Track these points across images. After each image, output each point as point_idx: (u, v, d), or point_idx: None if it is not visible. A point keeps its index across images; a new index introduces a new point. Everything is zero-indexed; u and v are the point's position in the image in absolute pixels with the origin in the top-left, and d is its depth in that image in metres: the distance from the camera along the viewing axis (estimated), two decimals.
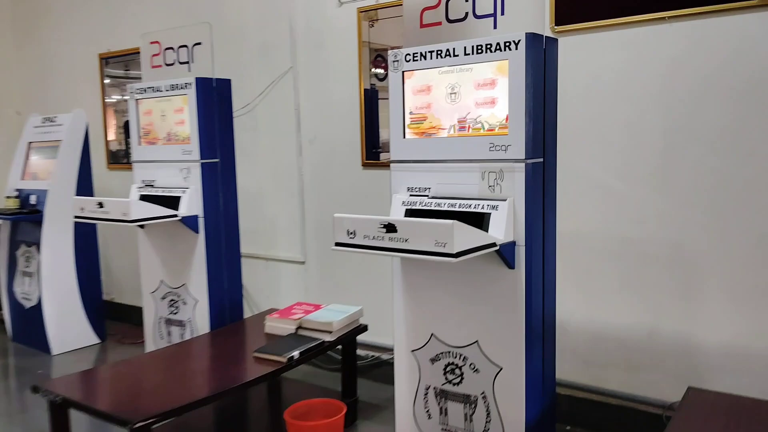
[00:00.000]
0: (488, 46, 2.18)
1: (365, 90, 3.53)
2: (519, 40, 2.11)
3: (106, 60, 5.05)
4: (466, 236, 1.98)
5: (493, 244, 2.10)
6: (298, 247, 3.92)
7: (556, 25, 2.38)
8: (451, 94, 2.31)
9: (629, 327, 2.77)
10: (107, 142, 5.01)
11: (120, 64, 5.07)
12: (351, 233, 2.15)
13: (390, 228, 2.04)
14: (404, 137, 2.44)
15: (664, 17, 2.61)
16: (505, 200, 2.18)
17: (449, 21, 2.39)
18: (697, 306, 2.60)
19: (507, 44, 2.14)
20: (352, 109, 3.57)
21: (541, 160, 2.19)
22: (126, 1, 4.68)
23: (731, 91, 2.47)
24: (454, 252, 1.92)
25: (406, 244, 2.01)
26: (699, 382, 2.55)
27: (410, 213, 2.39)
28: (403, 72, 2.41)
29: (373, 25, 3.47)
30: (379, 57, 3.48)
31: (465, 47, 2.24)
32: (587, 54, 2.74)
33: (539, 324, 2.26)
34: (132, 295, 4.78)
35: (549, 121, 2.24)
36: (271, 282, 4.09)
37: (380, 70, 3.48)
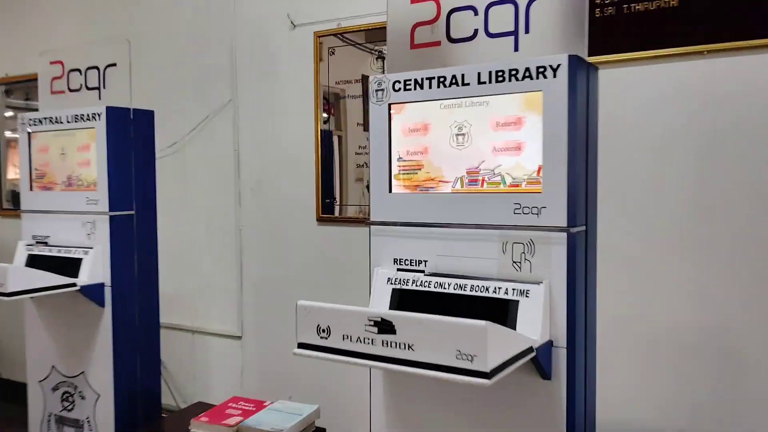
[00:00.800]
0: (513, 73, 1.60)
1: (323, 132, 2.90)
2: (559, 65, 1.54)
3: (5, 87, 4.23)
4: (501, 343, 1.35)
5: (530, 349, 1.47)
6: (234, 317, 3.19)
7: (589, 55, 1.85)
8: (457, 135, 1.70)
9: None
10: (2, 183, 4.16)
11: (22, 92, 4.27)
12: (323, 331, 1.47)
13: (384, 327, 1.38)
14: (390, 191, 1.80)
15: (702, 51, 2.12)
16: (539, 283, 1.57)
17: (452, 40, 1.80)
18: (741, 400, 2.05)
19: (541, 70, 1.56)
20: (306, 153, 2.92)
21: (584, 227, 1.60)
22: (30, 17, 3.91)
23: None
24: (488, 370, 1.28)
25: (410, 353, 1.36)
26: None
27: (401, 296, 1.74)
28: (389, 105, 1.80)
29: (333, 53, 2.86)
30: (325, 100, 2.87)
31: (479, 73, 1.65)
32: (614, 89, 2.21)
33: None
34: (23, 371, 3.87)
35: (591, 174, 1.66)
36: (200, 360, 3.32)
37: (324, 115, 2.87)
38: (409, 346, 1.36)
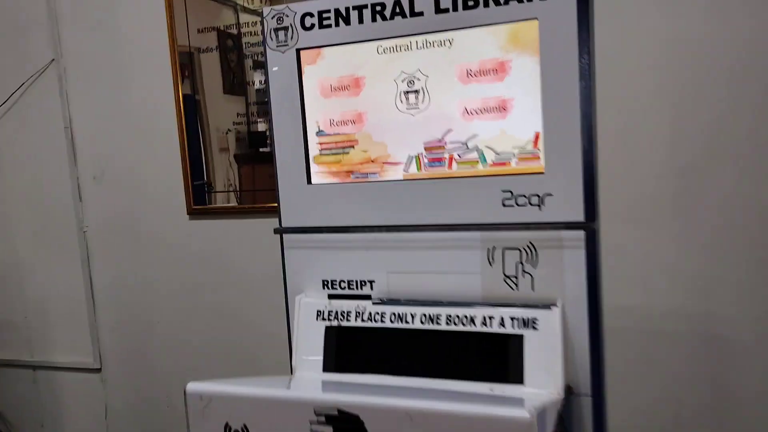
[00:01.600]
0: None
1: (185, 96, 2.20)
2: None
3: None
4: (544, 427, 0.84)
5: (560, 419, 0.97)
6: (87, 344, 2.46)
7: None
8: (408, 93, 1.14)
9: None
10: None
11: None
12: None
13: (344, 425, 0.82)
14: (308, 181, 1.21)
15: None
16: (549, 307, 1.06)
17: None
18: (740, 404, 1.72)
19: None
20: (164, 126, 2.21)
21: (595, 222, 1.11)
22: None
23: None
24: None
25: None
26: None
27: (340, 339, 1.17)
28: (298, 51, 1.19)
29: None
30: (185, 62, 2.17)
31: None
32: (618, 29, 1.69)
33: None
34: None
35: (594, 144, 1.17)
36: (48, 403, 2.56)
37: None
38: None
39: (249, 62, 2.09)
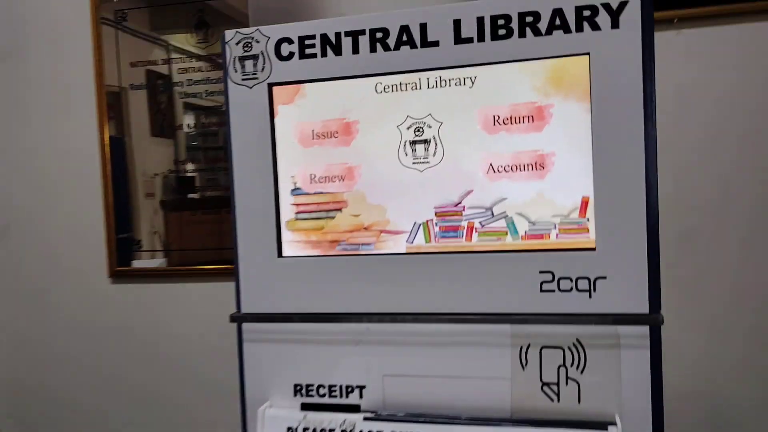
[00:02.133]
0: (530, 20, 0.83)
1: (112, 138, 1.88)
2: (625, 2, 0.79)
3: None
4: None
5: None
6: None
7: None
8: (414, 143, 0.89)
9: None
10: None
11: None
12: None
13: None
14: (279, 253, 0.93)
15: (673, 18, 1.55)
16: (606, 427, 0.81)
17: None
18: None
19: (588, 14, 0.81)
20: (85, 172, 1.88)
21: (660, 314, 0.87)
22: None
23: None
24: None
25: None
26: None
27: None
28: (270, 86, 0.92)
29: (125, 18, 1.86)
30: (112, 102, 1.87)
31: (459, 20, 0.85)
32: None
33: None
34: None
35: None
36: None
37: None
38: None
39: (180, 104, 1.86)
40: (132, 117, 1.88)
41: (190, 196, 1.88)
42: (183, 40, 1.83)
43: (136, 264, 1.86)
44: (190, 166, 1.87)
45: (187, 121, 1.86)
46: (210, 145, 1.88)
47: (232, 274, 1.71)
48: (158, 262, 1.87)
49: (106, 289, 1.89)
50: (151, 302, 1.84)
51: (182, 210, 1.88)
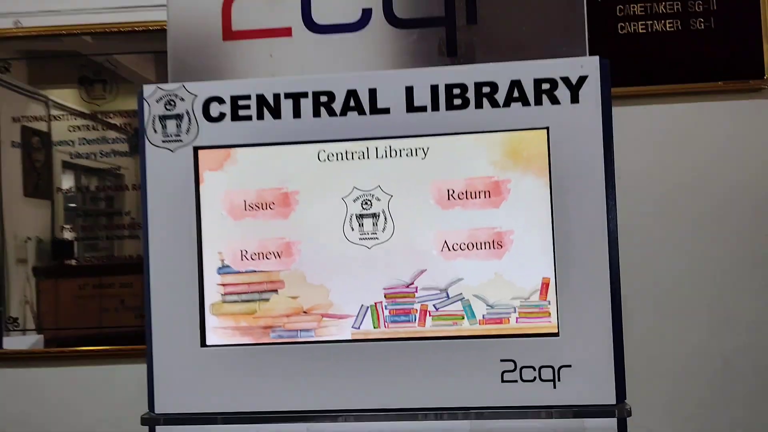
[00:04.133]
0: (486, 91, 0.78)
1: None
2: (585, 77, 0.77)
3: None
4: None
5: None
6: None
7: None
8: (361, 217, 0.80)
9: None
10: None
11: None
12: None
13: None
14: (203, 343, 0.80)
15: None
16: None
17: (313, 27, 0.91)
18: None
19: (547, 87, 0.77)
20: None
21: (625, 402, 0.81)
22: None
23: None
24: None
25: None
26: None
27: None
28: (196, 150, 0.81)
29: (8, 68, 1.66)
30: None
31: (411, 87, 0.79)
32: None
33: None
34: None
35: None
36: None
37: None
38: None
39: (59, 163, 1.68)
40: (3, 175, 1.67)
41: (67, 262, 1.68)
42: (68, 96, 1.66)
43: (8, 344, 1.61)
44: (68, 231, 1.67)
45: (66, 181, 1.68)
46: (91, 208, 1.70)
47: (121, 356, 1.52)
48: (33, 340, 1.64)
49: None
50: (30, 388, 1.59)
51: (58, 277, 1.67)
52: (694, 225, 1.47)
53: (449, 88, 0.78)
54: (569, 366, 0.76)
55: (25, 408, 1.59)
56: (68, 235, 1.67)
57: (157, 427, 0.80)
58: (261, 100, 0.81)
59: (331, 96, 0.80)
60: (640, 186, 1.46)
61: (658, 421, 1.45)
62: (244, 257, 0.81)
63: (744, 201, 1.46)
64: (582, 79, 0.77)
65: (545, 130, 0.78)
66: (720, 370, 1.46)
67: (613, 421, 0.75)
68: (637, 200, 1.46)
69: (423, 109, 0.79)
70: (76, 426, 1.57)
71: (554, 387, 0.76)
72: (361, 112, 0.79)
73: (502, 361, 0.77)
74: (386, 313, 0.80)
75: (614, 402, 0.76)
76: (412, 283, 0.79)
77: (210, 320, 0.81)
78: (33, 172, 1.67)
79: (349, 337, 0.80)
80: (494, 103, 0.78)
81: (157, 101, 0.82)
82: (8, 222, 1.65)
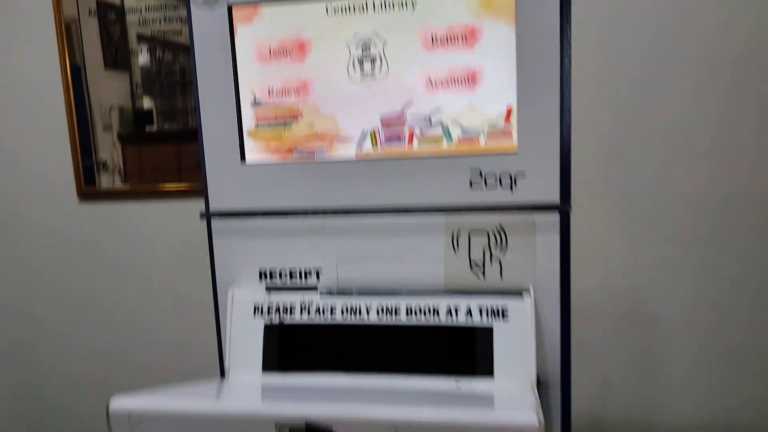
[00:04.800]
0: None
1: (72, 67, 1.92)
2: None
3: None
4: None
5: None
6: None
7: None
8: (362, 60, 1.01)
9: None
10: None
11: None
12: None
13: None
14: (242, 159, 1.05)
15: None
16: (521, 296, 0.98)
17: None
18: (659, 379, 1.75)
19: None
20: (46, 101, 1.93)
21: (569, 203, 1.03)
22: None
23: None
24: None
25: None
26: None
27: (283, 338, 1.03)
28: (230, 7, 1.02)
29: None
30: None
31: None
32: None
33: None
34: None
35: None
36: None
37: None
38: None
39: (134, 34, 1.89)
40: (85, 48, 1.91)
41: (149, 129, 1.92)
42: None
43: (104, 184, 1.94)
44: (147, 100, 1.91)
45: (142, 53, 1.88)
46: (168, 79, 1.91)
47: (194, 193, 1.81)
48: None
49: (75, 209, 1.98)
50: (118, 220, 1.94)
51: (140, 143, 1.93)
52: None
53: None
54: (524, 175, 0.97)
55: (118, 235, 1.95)
56: (147, 104, 1.91)
57: (212, 219, 1.07)
58: None
59: None
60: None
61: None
62: (271, 94, 1.04)
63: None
64: None
65: None
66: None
67: (556, 215, 0.97)
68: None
69: None
70: (161, 247, 1.91)
71: (511, 191, 0.98)
72: None
73: (470, 171, 0.98)
74: (382, 137, 1.02)
75: (559, 202, 0.97)
76: (403, 113, 1.01)
77: (247, 143, 1.05)
78: (110, 44, 1.90)
79: (353, 156, 1.03)
80: None
81: None
82: (93, 92, 1.92)
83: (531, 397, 0.84)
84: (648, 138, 1.64)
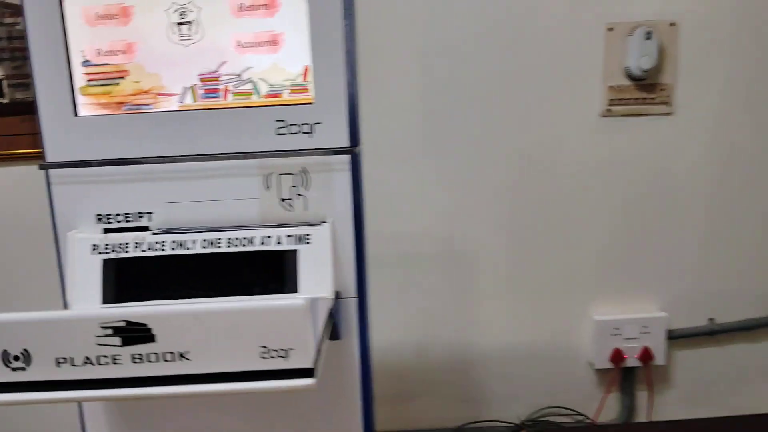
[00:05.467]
0: None
1: None
2: None
3: None
4: (317, 317, 0.95)
5: (331, 315, 1.11)
6: None
7: None
8: (180, 24, 1.16)
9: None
10: None
11: None
12: (16, 359, 0.87)
13: (132, 333, 0.86)
14: (76, 113, 1.18)
15: None
16: (321, 224, 1.19)
17: None
18: (476, 311, 2.05)
19: None
20: None
21: (358, 147, 1.25)
22: None
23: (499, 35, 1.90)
24: (312, 364, 0.88)
25: (182, 365, 0.87)
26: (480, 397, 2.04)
27: (119, 270, 1.18)
28: None
29: None
30: None
31: None
32: None
33: (370, 409, 1.36)
34: None
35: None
36: None
37: None
38: (181, 356, 0.86)
39: None
40: None
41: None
42: None
43: None
44: None
45: None
46: (19, 47, 1.93)
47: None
48: None
49: None
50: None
51: None
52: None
53: None
54: (320, 123, 1.17)
55: None
56: None
57: (50, 170, 1.19)
58: None
59: None
60: None
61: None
62: (99, 54, 1.17)
63: None
64: None
65: None
66: None
67: (347, 156, 1.18)
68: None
69: None
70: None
71: (311, 137, 1.17)
72: None
73: (276, 121, 1.17)
74: (200, 92, 1.18)
75: (349, 146, 1.18)
76: (217, 71, 1.17)
77: (79, 99, 1.18)
78: None
79: (177, 109, 1.18)
80: None
81: None
82: None
83: (312, 296, 1.04)
84: (461, 98, 1.89)
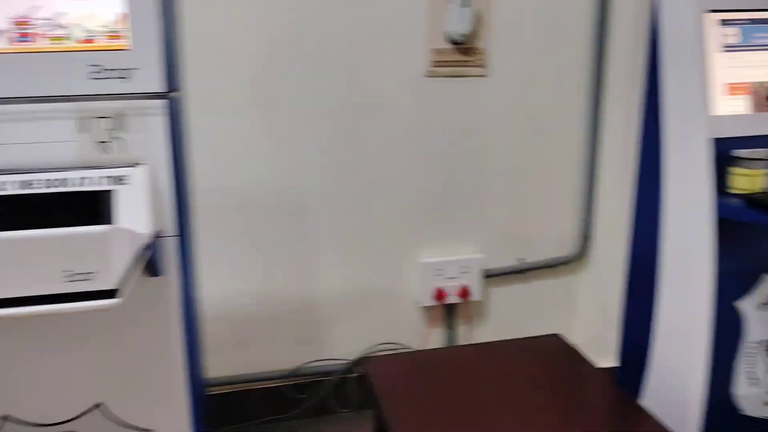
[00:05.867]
0: None
1: None
2: None
3: None
4: (119, 248, 1.04)
5: (147, 247, 1.20)
6: None
7: None
8: None
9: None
10: None
11: None
12: None
13: None
14: None
15: None
16: (137, 166, 1.26)
17: None
18: (311, 259, 2.20)
19: None
20: None
21: (177, 93, 1.33)
22: None
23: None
24: (115, 286, 0.98)
25: None
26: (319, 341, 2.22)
27: None
28: None
29: None
30: None
31: None
32: None
33: (196, 352, 1.48)
34: None
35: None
36: None
37: None
38: None
39: None
40: None
41: None
42: None
43: None
44: None
45: None
46: None
47: None
48: None
49: None
50: None
51: None
52: None
53: None
54: (138, 69, 1.24)
55: None
56: None
57: None
58: None
59: None
60: None
61: None
62: None
63: None
64: None
65: None
66: None
67: (164, 101, 1.25)
68: None
69: None
70: None
71: (127, 81, 1.24)
72: None
73: (91, 66, 1.22)
74: (14, 36, 1.20)
75: (167, 91, 1.25)
76: (29, 16, 1.20)
77: None
78: None
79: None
80: None
81: None
82: None
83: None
84: (297, 53, 1.99)
